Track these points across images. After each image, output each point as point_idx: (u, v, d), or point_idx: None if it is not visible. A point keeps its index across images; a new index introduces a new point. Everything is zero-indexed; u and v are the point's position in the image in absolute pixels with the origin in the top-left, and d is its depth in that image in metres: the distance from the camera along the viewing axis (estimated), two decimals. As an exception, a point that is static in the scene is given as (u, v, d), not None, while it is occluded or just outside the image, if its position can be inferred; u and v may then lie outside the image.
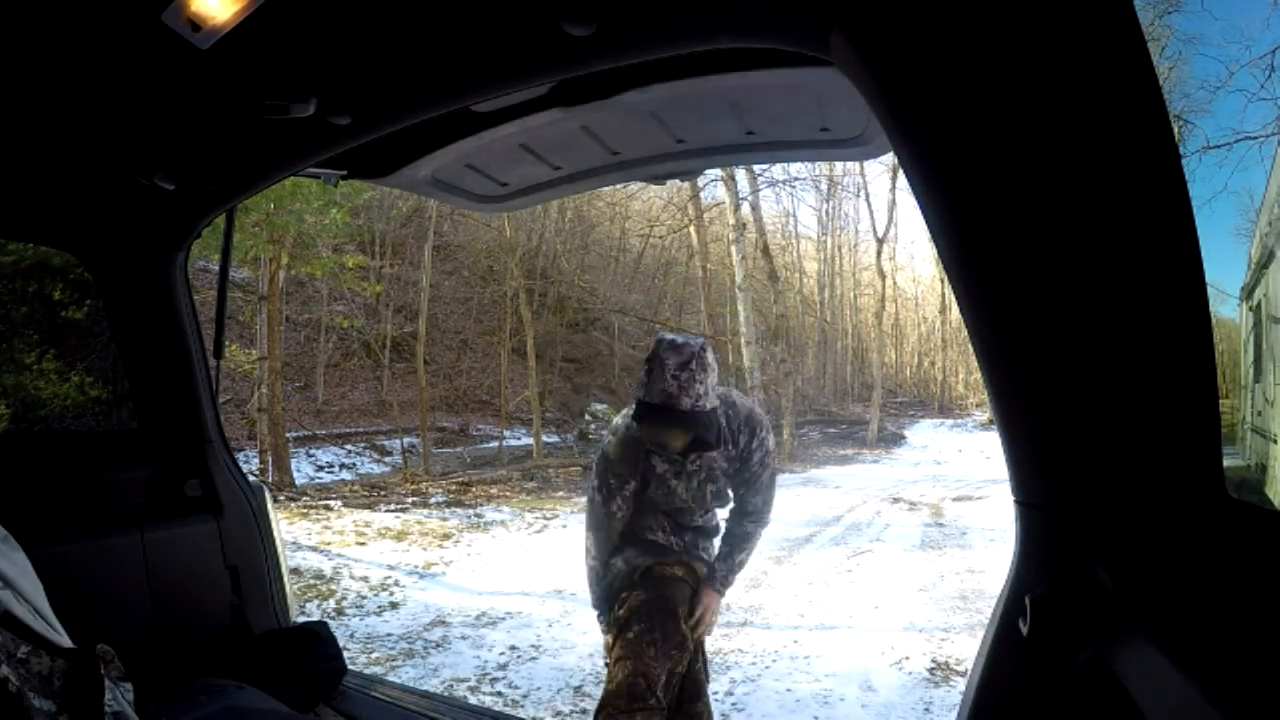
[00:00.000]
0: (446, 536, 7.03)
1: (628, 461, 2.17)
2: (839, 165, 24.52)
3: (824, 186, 27.63)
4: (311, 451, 12.64)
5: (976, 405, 28.12)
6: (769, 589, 5.43)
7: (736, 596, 5.18)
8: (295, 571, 5.48)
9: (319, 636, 2.01)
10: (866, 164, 23.47)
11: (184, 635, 1.86)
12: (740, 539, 2.23)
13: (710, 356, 1.98)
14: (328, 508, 8.50)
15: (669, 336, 2.00)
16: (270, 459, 10.08)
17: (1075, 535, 0.78)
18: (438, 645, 4.16)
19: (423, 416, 12.61)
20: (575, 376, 20.02)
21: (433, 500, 9.08)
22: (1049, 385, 0.76)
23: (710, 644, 4.19)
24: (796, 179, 21.71)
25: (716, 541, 2.34)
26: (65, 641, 1.23)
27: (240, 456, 7.72)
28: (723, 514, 2.37)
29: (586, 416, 18.13)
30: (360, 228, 13.45)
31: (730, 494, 2.27)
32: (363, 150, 1.50)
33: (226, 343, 2.30)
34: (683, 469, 2.18)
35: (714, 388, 1.98)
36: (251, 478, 2.13)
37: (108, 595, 1.75)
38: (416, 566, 5.91)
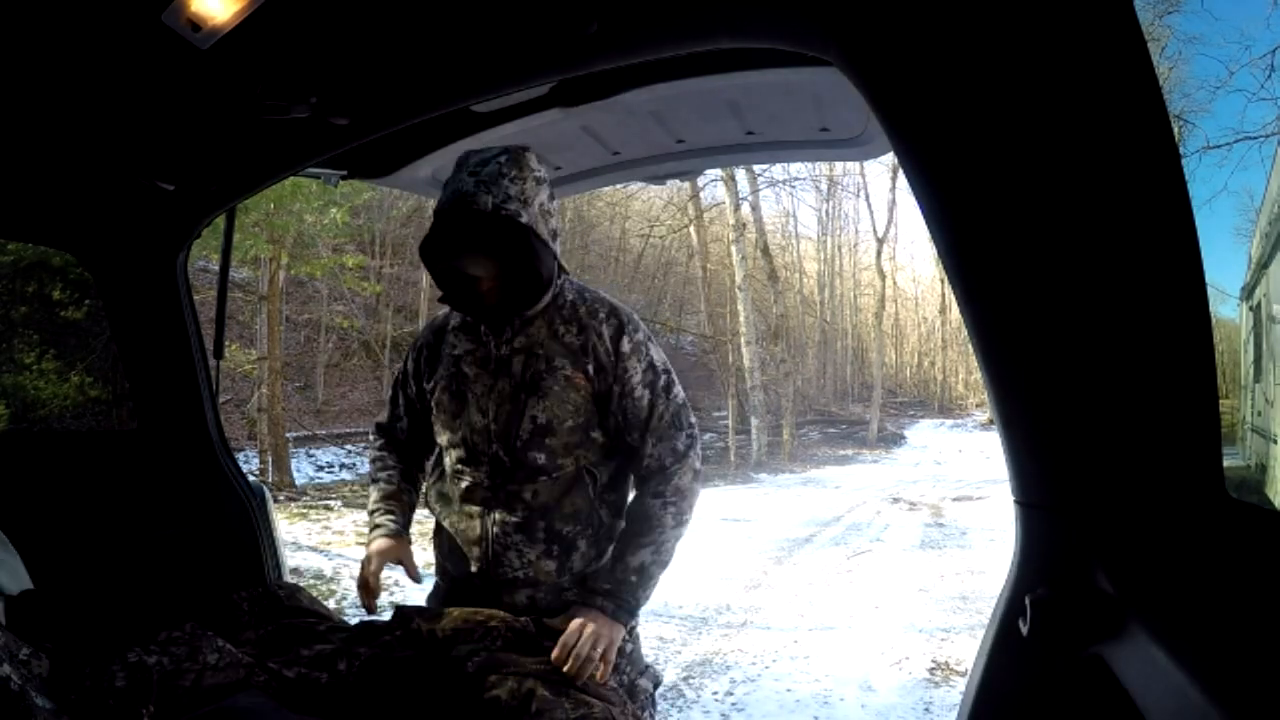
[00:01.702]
0: (446, 536, 7.03)
1: (417, 350, 1.52)
2: (839, 165, 24.52)
3: (824, 186, 27.64)
4: (311, 451, 12.64)
5: (976, 405, 28.12)
6: (769, 589, 5.43)
7: (736, 597, 5.18)
8: (295, 571, 5.47)
9: None
10: (866, 164, 23.49)
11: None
12: (640, 522, 1.39)
13: (534, 160, 1.36)
14: (328, 508, 8.49)
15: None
16: (270, 459, 10.08)
17: (1075, 535, 0.78)
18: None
19: (423, 416, 12.58)
20: (575, 376, 19.97)
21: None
22: (1049, 385, 0.76)
23: (710, 644, 4.21)
24: (796, 179, 21.72)
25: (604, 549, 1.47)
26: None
27: (240, 456, 7.72)
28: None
29: (586, 416, 18.09)
30: (360, 228, 13.45)
31: (580, 464, 1.42)
32: (363, 150, 1.50)
33: (226, 343, 2.30)
34: (490, 355, 1.41)
35: (543, 207, 1.34)
36: (251, 478, 2.13)
37: (107, 596, 1.75)
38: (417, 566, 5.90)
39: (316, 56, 1.15)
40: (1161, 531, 0.72)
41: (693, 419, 1.48)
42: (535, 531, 1.41)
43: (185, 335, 1.97)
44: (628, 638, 1.48)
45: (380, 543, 1.54)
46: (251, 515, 2.04)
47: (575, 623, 1.31)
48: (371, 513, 1.58)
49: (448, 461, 1.50)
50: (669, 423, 1.43)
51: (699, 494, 1.49)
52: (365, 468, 12.86)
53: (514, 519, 1.42)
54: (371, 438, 1.66)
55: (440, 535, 1.58)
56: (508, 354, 1.41)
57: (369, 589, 1.53)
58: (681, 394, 1.47)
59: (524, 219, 1.30)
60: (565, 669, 1.25)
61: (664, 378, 1.44)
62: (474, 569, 1.49)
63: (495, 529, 1.43)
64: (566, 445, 1.41)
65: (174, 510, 1.95)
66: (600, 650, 1.29)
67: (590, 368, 1.39)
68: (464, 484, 1.46)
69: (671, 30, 1.02)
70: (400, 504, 1.57)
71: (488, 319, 1.41)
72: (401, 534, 1.55)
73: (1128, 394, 0.72)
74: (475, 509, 1.46)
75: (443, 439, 1.49)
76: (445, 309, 1.50)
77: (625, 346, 1.40)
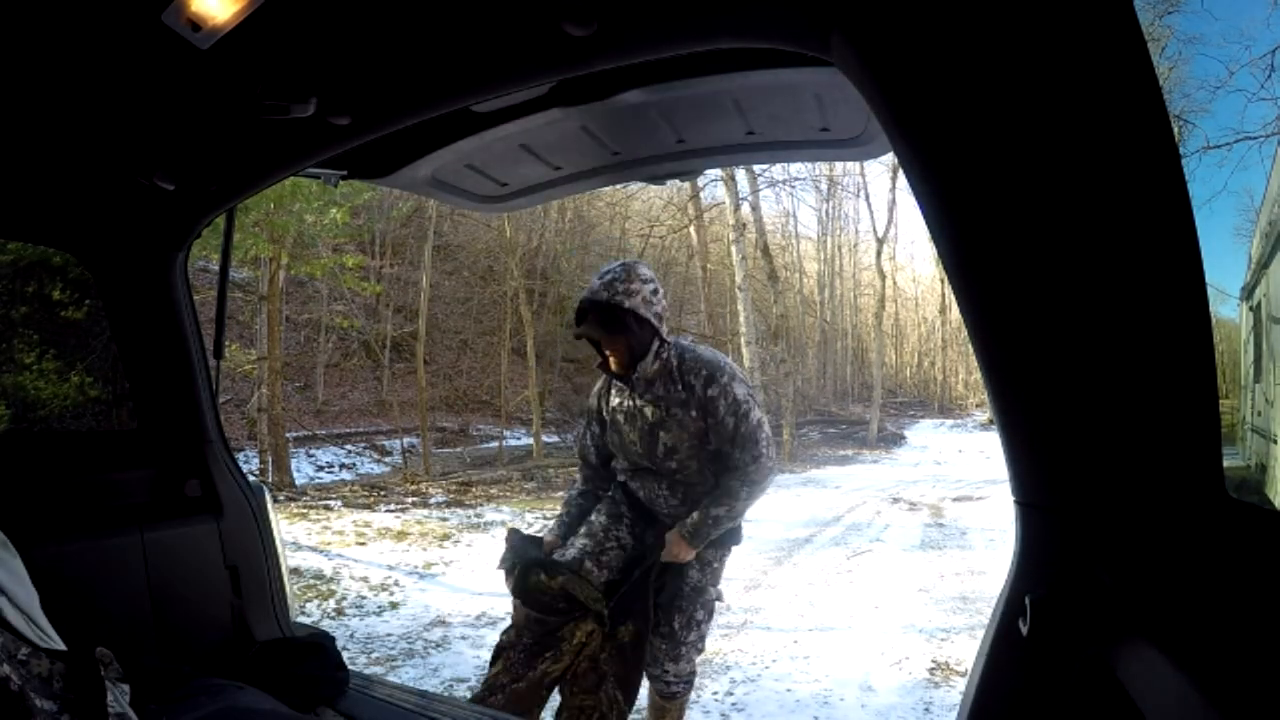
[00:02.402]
0: (446, 537, 7.03)
1: (590, 405, 2.32)
2: (839, 165, 24.52)
3: (824, 186, 27.66)
4: (311, 451, 12.64)
5: (976, 405, 28.13)
6: (769, 589, 5.43)
7: (735, 597, 5.18)
8: (295, 571, 5.47)
9: (324, 649, 2.00)
10: (866, 164, 23.49)
11: (184, 636, 1.86)
12: (723, 493, 2.13)
13: (645, 270, 2.06)
14: (328, 508, 8.50)
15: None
16: (270, 459, 10.08)
17: (1075, 535, 0.78)
18: (438, 645, 4.16)
19: (423, 416, 12.60)
20: (575, 376, 20.01)
21: (433, 500, 9.08)
22: (1049, 385, 0.76)
23: (710, 644, 4.20)
24: (796, 179, 21.73)
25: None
26: (59, 647, 1.23)
27: (240, 456, 7.73)
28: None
29: (586, 416, 18.10)
30: (360, 228, 13.44)
31: (700, 463, 2.18)
32: (363, 150, 1.50)
33: (226, 343, 2.30)
34: (631, 406, 2.15)
35: (647, 300, 2.03)
36: (251, 478, 2.13)
37: (107, 596, 1.75)
38: (416, 567, 5.90)
39: (316, 56, 1.15)
40: (1161, 531, 0.72)
41: (766, 431, 2.13)
42: (675, 492, 2.24)
43: (185, 335, 1.97)
44: (715, 556, 2.30)
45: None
46: (251, 515, 2.04)
47: (671, 537, 2.16)
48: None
49: (621, 469, 2.35)
50: (746, 436, 2.09)
51: (769, 480, 2.16)
52: (365, 468, 12.87)
53: (661, 490, 2.25)
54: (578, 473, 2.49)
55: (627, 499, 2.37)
56: (642, 405, 2.15)
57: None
58: (757, 416, 2.11)
59: (626, 305, 2.01)
60: (663, 557, 2.16)
61: (744, 407, 2.10)
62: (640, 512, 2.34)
63: (647, 494, 2.29)
64: (687, 456, 2.16)
65: (174, 510, 1.95)
66: (677, 554, 2.17)
67: (694, 411, 2.10)
68: (630, 480, 2.32)
69: (671, 30, 1.02)
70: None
71: (625, 381, 2.16)
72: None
73: (1128, 394, 0.72)
74: (637, 486, 2.31)
75: (616, 462, 2.35)
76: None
77: (713, 391, 2.08)
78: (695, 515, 2.14)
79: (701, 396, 2.08)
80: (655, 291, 2.08)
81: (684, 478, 2.20)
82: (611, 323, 2.03)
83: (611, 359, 2.13)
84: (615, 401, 2.21)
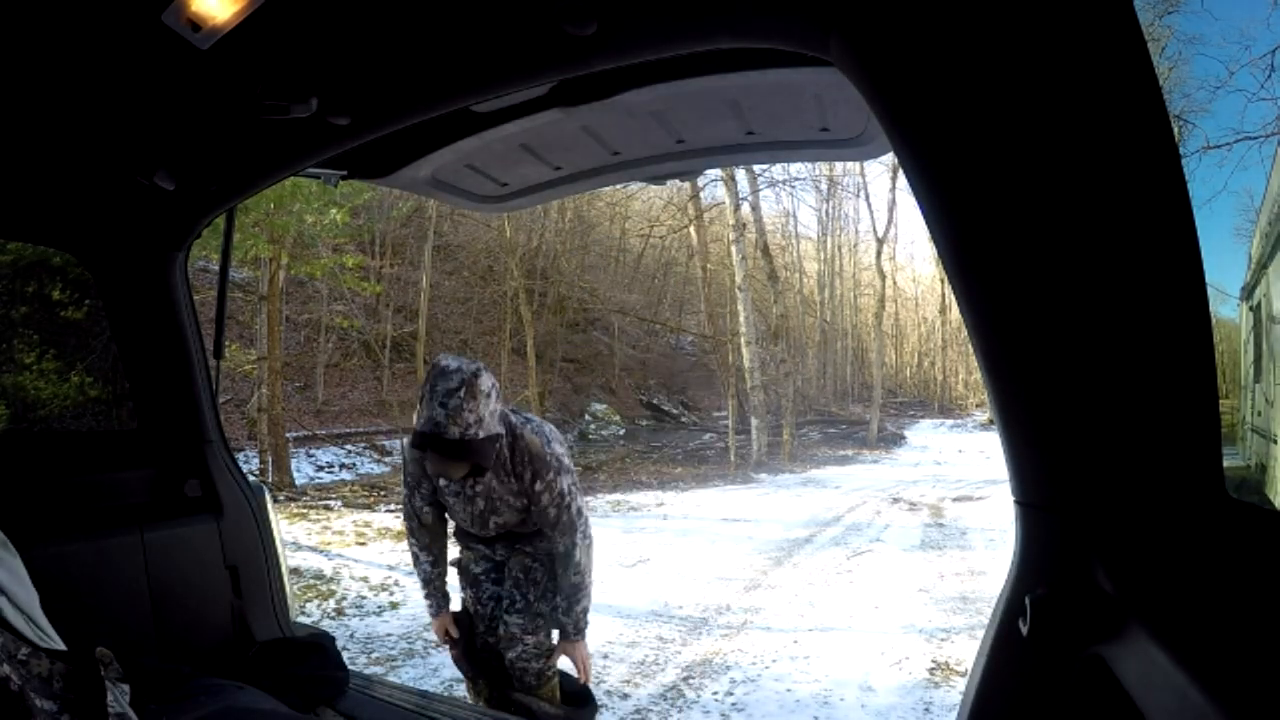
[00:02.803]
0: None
1: (415, 470, 2.25)
2: (839, 165, 24.54)
3: (824, 186, 27.67)
4: (311, 451, 12.63)
5: (976, 405, 28.14)
6: (768, 590, 5.43)
7: (735, 597, 5.19)
8: (295, 571, 5.47)
9: (324, 649, 2.00)
10: (866, 164, 23.49)
11: (184, 635, 1.86)
12: (570, 591, 2.17)
13: (484, 382, 1.90)
14: (328, 508, 8.50)
15: (443, 361, 1.93)
16: (270, 459, 10.07)
17: (1075, 535, 0.78)
18: (438, 645, 4.16)
19: (423, 416, 12.58)
20: (575, 376, 20.02)
21: (433, 500, 9.06)
22: (1049, 385, 0.76)
23: (710, 645, 4.21)
24: (796, 179, 21.73)
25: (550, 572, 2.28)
26: (59, 647, 1.23)
27: (240, 456, 7.72)
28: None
29: (586, 416, 18.13)
30: (360, 228, 13.44)
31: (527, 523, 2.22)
32: (363, 150, 1.50)
33: (226, 343, 2.30)
34: (461, 491, 2.15)
35: (492, 414, 1.92)
36: (251, 478, 2.13)
37: (108, 595, 1.75)
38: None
39: (316, 56, 1.15)
40: (1161, 531, 0.72)
41: (584, 514, 2.19)
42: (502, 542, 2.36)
43: (185, 335, 1.97)
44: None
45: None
46: (251, 515, 2.04)
47: (563, 648, 2.29)
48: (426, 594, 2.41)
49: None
50: (567, 524, 2.14)
51: (590, 543, 2.21)
52: (365, 468, 12.86)
53: (491, 544, 2.38)
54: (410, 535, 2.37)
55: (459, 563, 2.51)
56: (473, 495, 2.15)
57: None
58: (577, 505, 2.16)
59: (481, 436, 1.90)
60: (569, 655, 2.29)
61: (565, 499, 2.13)
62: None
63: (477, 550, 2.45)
64: (518, 524, 2.23)
65: (174, 510, 1.95)
66: (580, 654, 2.30)
67: (521, 499, 2.14)
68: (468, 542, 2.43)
69: (671, 30, 1.02)
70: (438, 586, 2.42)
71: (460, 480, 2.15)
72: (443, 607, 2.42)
73: (1127, 394, 0.72)
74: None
75: (451, 523, 2.38)
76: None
77: (539, 486, 2.09)
78: (567, 619, 2.19)
79: (528, 489, 2.09)
80: (496, 395, 1.96)
81: (512, 532, 2.28)
82: (460, 454, 1.91)
83: (453, 473, 2.04)
84: (442, 483, 2.19)
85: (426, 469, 2.13)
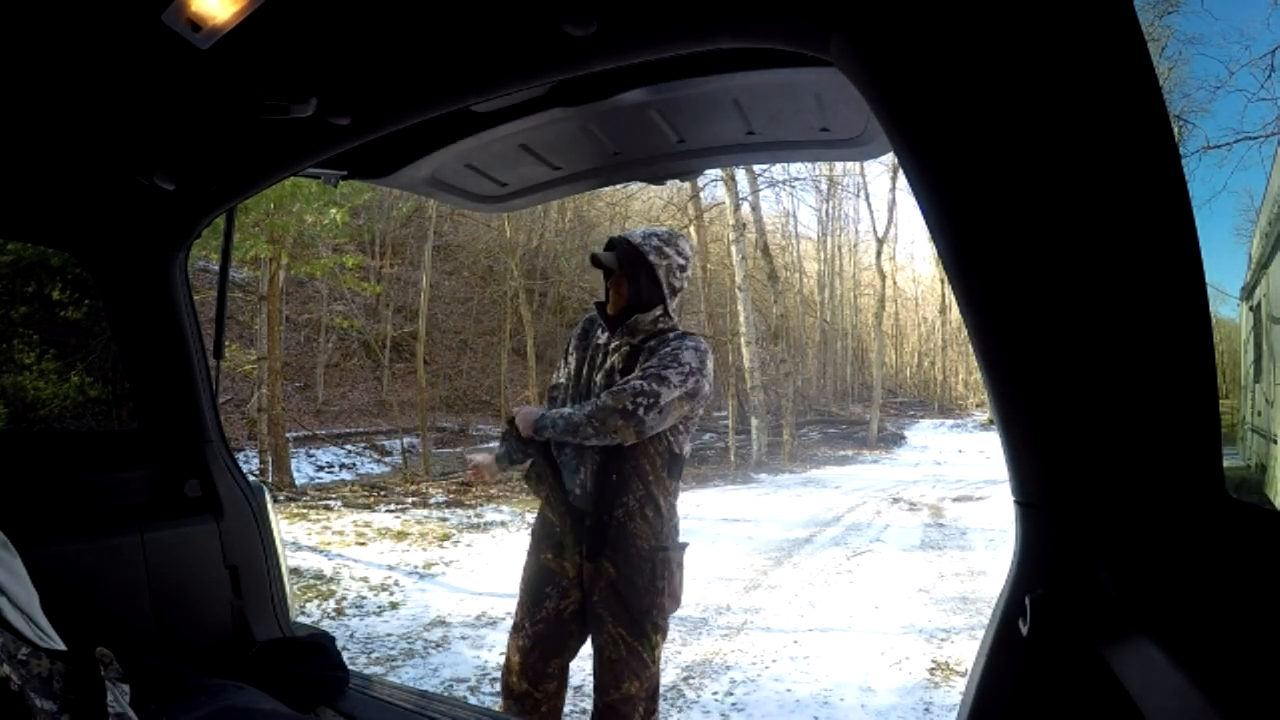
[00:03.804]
0: (446, 537, 7.03)
1: (571, 342, 2.24)
2: (839, 165, 24.53)
3: (824, 186, 27.67)
4: (311, 451, 12.64)
5: (976, 405, 28.15)
6: (768, 590, 5.43)
7: (735, 597, 5.19)
8: (295, 571, 5.47)
9: (324, 649, 2.00)
10: (866, 164, 23.50)
11: (184, 636, 1.86)
12: (592, 403, 2.02)
13: (684, 243, 2.13)
14: (328, 508, 8.50)
15: None
16: (270, 459, 10.08)
17: (1075, 535, 0.78)
18: (438, 645, 4.16)
19: (422, 416, 12.60)
20: (575, 377, 19.96)
21: (432, 500, 9.08)
22: (1048, 385, 0.76)
23: (710, 645, 4.21)
24: (796, 179, 21.73)
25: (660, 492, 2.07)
26: (59, 647, 1.23)
27: (240, 456, 7.72)
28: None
29: (586, 416, 18.08)
30: (360, 228, 13.44)
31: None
32: (363, 150, 1.50)
33: (226, 343, 2.30)
34: (607, 346, 2.11)
35: (674, 271, 2.08)
36: (251, 478, 2.13)
37: (107, 596, 1.75)
38: (416, 567, 5.90)
39: (316, 56, 1.15)
40: (1161, 531, 0.72)
41: (640, 418, 1.99)
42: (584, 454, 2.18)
43: (185, 335, 1.97)
44: (666, 555, 2.11)
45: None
46: (251, 515, 2.04)
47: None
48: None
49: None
50: (630, 391, 2.03)
51: (614, 422, 2.00)
52: (365, 468, 12.87)
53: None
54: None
55: None
56: (617, 345, 2.11)
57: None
58: (675, 387, 2.00)
59: (650, 259, 2.05)
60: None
61: (681, 371, 2.02)
62: None
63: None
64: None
65: (174, 510, 1.95)
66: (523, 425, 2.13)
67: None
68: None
69: (671, 30, 1.02)
70: None
71: (607, 322, 2.15)
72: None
73: (1127, 394, 0.72)
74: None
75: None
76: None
77: (654, 361, 2.01)
78: (556, 415, 2.04)
79: (672, 349, 2.03)
80: (683, 269, 2.10)
81: (613, 455, 2.06)
82: (628, 262, 2.05)
83: (612, 296, 2.11)
84: (601, 339, 2.15)
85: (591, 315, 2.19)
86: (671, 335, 2.08)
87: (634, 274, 2.07)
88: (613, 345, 2.11)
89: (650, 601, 2.06)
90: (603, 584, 2.06)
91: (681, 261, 2.10)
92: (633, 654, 2.06)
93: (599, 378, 2.09)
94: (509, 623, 2.32)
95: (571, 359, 2.22)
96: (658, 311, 2.10)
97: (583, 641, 2.18)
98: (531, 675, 2.12)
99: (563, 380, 2.22)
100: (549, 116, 1.49)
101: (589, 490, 2.06)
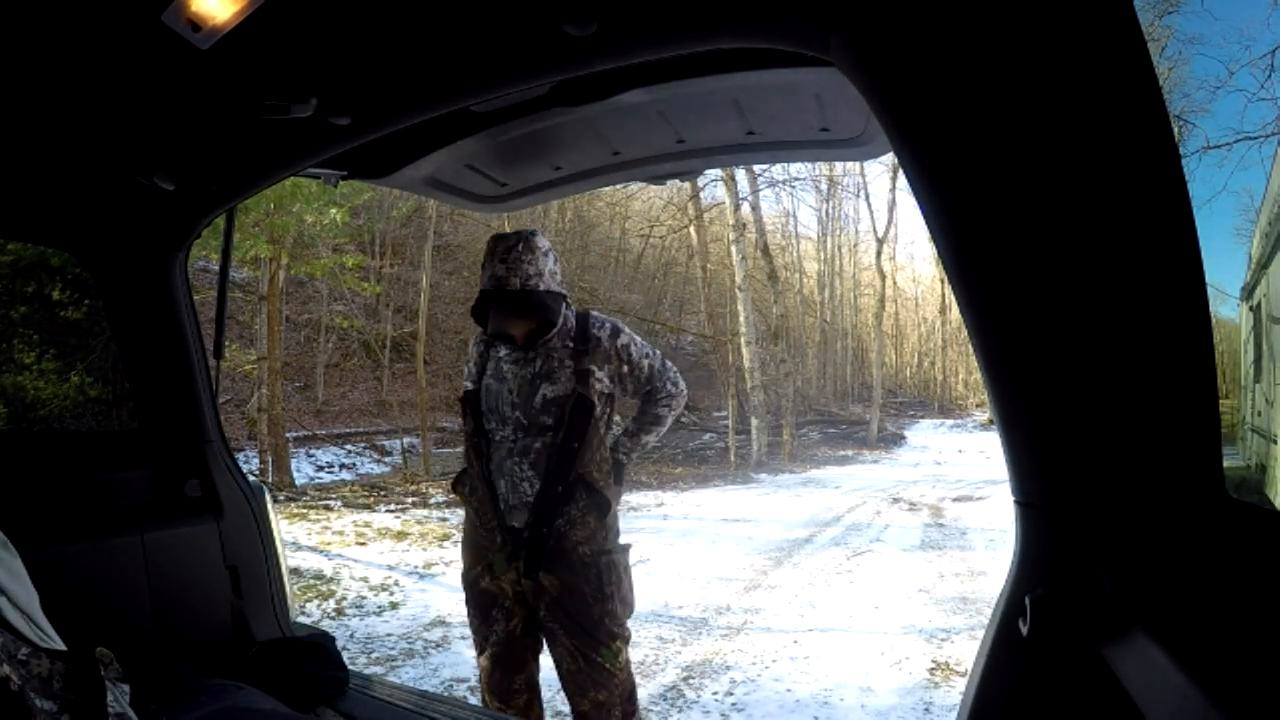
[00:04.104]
0: (446, 537, 7.03)
1: (475, 354, 2.19)
2: (839, 165, 24.54)
3: (824, 186, 27.67)
4: (311, 451, 12.63)
5: (976, 405, 28.14)
6: (768, 590, 5.43)
7: (735, 597, 5.18)
8: (295, 572, 5.47)
9: (324, 649, 2.00)
10: (866, 164, 23.50)
11: (184, 636, 1.86)
12: (650, 420, 2.16)
13: (540, 241, 1.97)
14: (328, 508, 8.50)
15: (500, 234, 1.99)
16: (270, 459, 10.08)
17: (1075, 536, 0.78)
18: (438, 645, 4.16)
19: (422, 416, 12.60)
20: (575, 377, 19.96)
21: (432, 500, 9.08)
22: (1048, 385, 0.76)
23: (710, 645, 4.21)
24: (796, 179, 21.73)
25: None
26: (59, 647, 1.23)
27: (240, 456, 7.72)
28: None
29: (586, 417, 18.09)
30: (360, 228, 13.45)
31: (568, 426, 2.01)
32: (363, 150, 1.50)
33: (226, 343, 2.30)
34: (521, 357, 2.05)
35: (552, 272, 1.97)
36: (251, 478, 2.13)
37: (107, 596, 1.75)
38: (416, 567, 5.90)
39: (316, 56, 1.15)
40: (1161, 531, 0.72)
41: (674, 368, 2.21)
42: (527, 460, 2.09)
43: (185, 335, 1.97)
44: (612, 559, 2.07)
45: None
46: (251, 515, 2.04)
47: None
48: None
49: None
50: (662, 372, 2.16)
51: (680, 408, 2.23)
52: (365, 468, 12.87)
53: (517, 460, 2.09)
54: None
55: None
56: (532, 356, 2.05)
57: None
58: (661, 356, 2.15)
59: (543, 288, 1.95)
60: None
61: (651, 350, 2.14)
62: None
63: (499, 462, 2.14)
64: (558, 413, 2.03)
65: (174, 510, 1.95)
66: None
67: (595, 365, 2.03)
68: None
69: (671, 30, 1.02)
70: None
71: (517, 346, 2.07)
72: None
73: (1127, 394, 0.72)
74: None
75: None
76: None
77: (623, 340, 2.07)
78: (627, 441, 2.15)
79: (609, 348, 2.05)
80: (554, 257, 2.02)
81: (548, 440, 2.01)
82: (525, 309, 1.95)
83: (516, 335, 2.02)
84: (503, 353, 2.09)
85: (488, 331, 2.07)
86: (591, 319, 2.07)
87: (532, 311, 1.97)
88: (528, 355, 2.04)
89: (600, 610, 2.00)
90: (546, 599, 2.01)
91: (552, 255, 2.01)
92: (592, 665, 2.02)
93: (516, 387, 2.03)
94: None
95: (474, 367, 2.18)
96: (564, 313, 2.05)
97: (541, 649, 2.16)
98: (500, 693, 2.12)
99: (470, 387, 2.18)
100: (549, 116, 1.49)
101: (528, 502, 2.00)
